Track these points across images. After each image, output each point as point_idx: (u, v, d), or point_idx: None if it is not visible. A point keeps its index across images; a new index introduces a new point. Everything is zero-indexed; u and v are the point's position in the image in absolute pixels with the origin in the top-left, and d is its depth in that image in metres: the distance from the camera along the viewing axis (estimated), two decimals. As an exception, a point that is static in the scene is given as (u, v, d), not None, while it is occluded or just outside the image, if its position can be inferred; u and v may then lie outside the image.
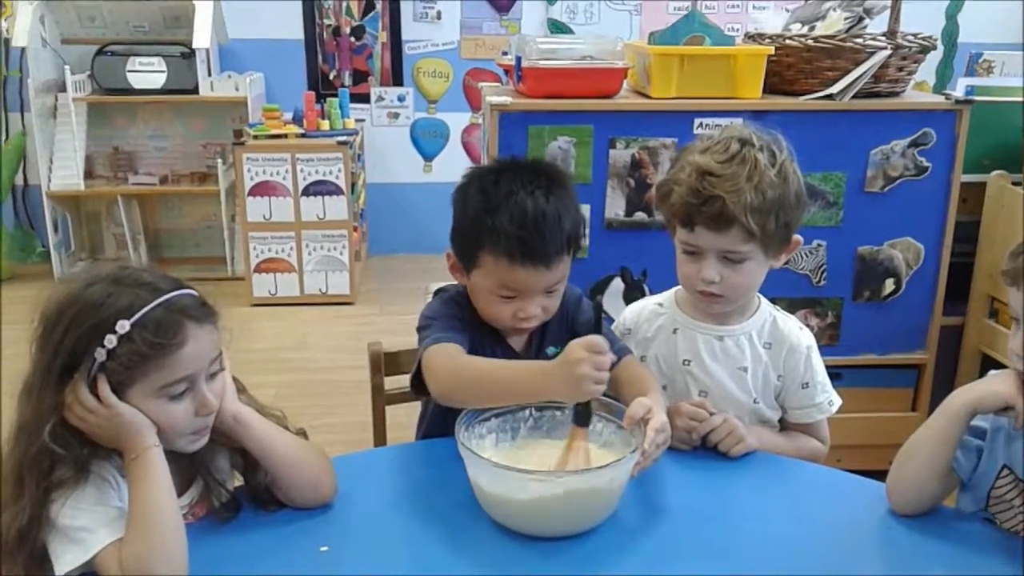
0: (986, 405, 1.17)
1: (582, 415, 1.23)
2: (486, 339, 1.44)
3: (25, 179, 4.71)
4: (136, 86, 4.36)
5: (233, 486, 1.25)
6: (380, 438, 1.72)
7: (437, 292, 1.51)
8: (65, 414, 1.10)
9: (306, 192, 4.16)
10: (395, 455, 1.46)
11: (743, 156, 1.38)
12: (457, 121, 4.92)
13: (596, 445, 1.28)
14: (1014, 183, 2.46)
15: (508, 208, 1.32)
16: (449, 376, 1.32)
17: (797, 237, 1.47)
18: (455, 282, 1.48)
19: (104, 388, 1.09)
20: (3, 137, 4.51)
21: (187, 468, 1.20)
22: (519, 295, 1.36)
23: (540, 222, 1.31)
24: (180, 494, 1.16)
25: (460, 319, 1.42)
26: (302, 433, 1.30)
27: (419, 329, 1.43)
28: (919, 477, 1.21)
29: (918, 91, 3.34)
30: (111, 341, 1.08)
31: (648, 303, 1.60)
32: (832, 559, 1.15)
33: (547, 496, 1.15)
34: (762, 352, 1.49)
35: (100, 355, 1.08)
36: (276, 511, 1.23)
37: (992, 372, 1.22)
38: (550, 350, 1.45)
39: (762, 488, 1.33)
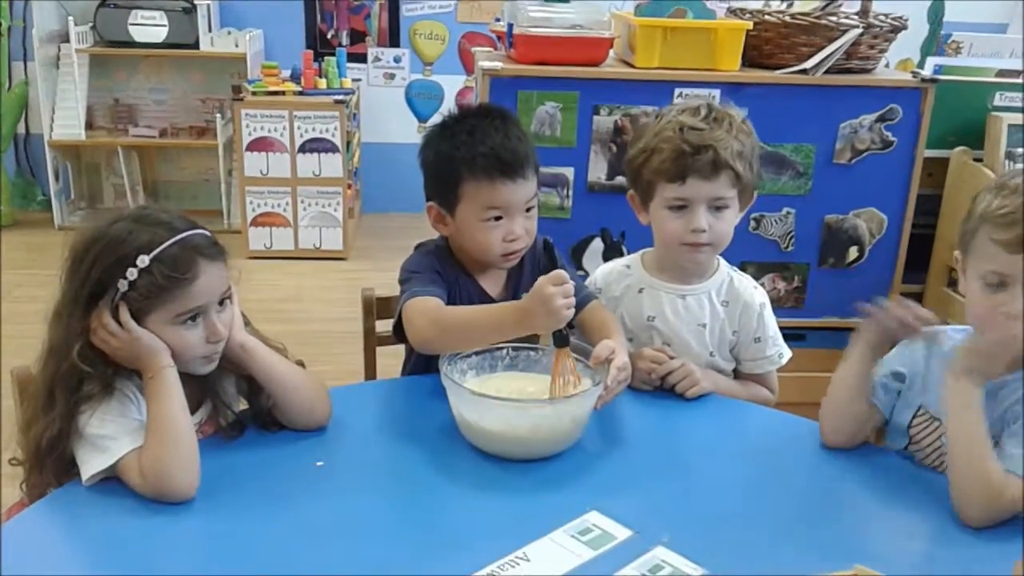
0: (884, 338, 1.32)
1: (561, 337, 1.37)
2: (463, 287, 1.58)
3: (27, 128, 4.80)
4: (137, 39, 4.45)
5: (238, 409, 1.40)
6: (371, 377, 1.86)
7: (418, 247, 1.64)
8: (91, 337, 1.23)
9: (302, 149, 4.27)
10: (384, 387, 1.62)
11: (716, 116, 1.55)
12: (452, 83, 5.02)
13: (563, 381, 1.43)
14: (975, 159, 2.60)
15: (475, 140, 1.50)
16: (428, 327, 1.45)
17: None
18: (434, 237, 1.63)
19: (125, 314, 1.22)
20: (6, 86, 4.59)
21: (198, 391, 1.34)
22: (504, 214, 1.51)
23: (507, 144, 1.49)
24: (191, 413, 1.29)
25: (439, 271, 1.56)
26: (300, 364, 1.44)
27: (401, 282, 1.57)
28: (839, 403, 1.37)
29: (901, 69, 3.47)
30: (132, 273, 1.21)
31: (616, 264, 1.73)
32: (767, 481, 1.31)
33: (519, 422, 1.30)
34: (720, 310, 1.63)
35: (122, 285, 1.22)
36: (276, 432, 1.37)
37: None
38: (524, 295, 1.59)
39: (710, 422, 1.49)
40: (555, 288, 1.30)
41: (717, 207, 1.54)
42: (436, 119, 1.59)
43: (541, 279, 1.32)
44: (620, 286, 1.68)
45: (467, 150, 1.50)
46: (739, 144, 1.52)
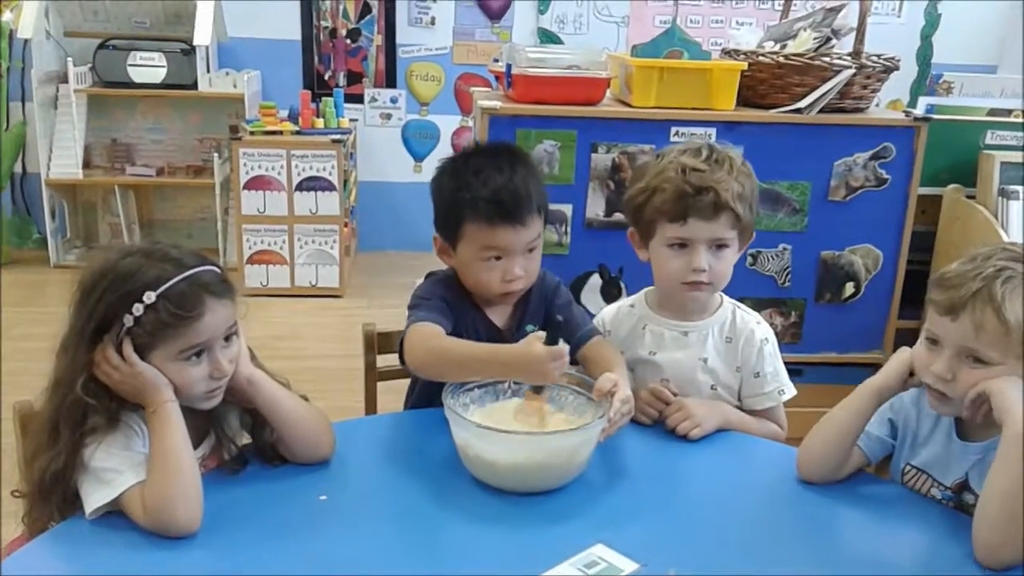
0: (893, 381, 1.32)
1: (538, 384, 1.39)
2: (470, 316, 1.60)
3: (24, 167, 4.81)
4: (136, 80, 4.48)
5: (242, 443, 1.38)
6: (371, 412, 1.86)
7: (428, 275, 1.66)
8: (94, 370, 1.23)
9: (299, 187, 4.29)
10: (386, 421, 1.62)
11: (717, 157, 1.56)
12: (447, 124, 5.06)
13: (568, 415, 1.43)
14: (968, 196, 2.63)
15: (480, 181, 1.51)
16: (424, 354, 1.48)
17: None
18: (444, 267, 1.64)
19: (128, 349, 1.22)
20: (4, 126, 4.61)
21: (202, 424, 1.33)
22: (503, 256, 1.53)
23: (509, 187, 1.51)
24: (194, 447, 1.28)
25: (446, 300, 1.58)
26: (304, 399, 1.44)
27: (409, 308, 1.58)
28: (823, 445, 1.36)
29: (891, 110, 3.51)
30: (138, 309, 1.21)
31: (623, 305, 1.73)
32: (772, 514, 1.32)
33: (524, 455, 1.30)
34: (723, 347, 1.63)
35: (128, 321, 1.21)
36: (279, 466, 1.36)
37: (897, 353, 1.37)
38: (529, 327, 1.61)
39: (714, 455, 1.48)
40: (554, 364, 1.32)
41: (717, 247, 1.56)
42: (434, 157, 1.60)
43: (542, 350, 1.33)
44: (626, 326, 1.68)
45: (469, 192, 1.52)
46: (739, 186, 1.53)
